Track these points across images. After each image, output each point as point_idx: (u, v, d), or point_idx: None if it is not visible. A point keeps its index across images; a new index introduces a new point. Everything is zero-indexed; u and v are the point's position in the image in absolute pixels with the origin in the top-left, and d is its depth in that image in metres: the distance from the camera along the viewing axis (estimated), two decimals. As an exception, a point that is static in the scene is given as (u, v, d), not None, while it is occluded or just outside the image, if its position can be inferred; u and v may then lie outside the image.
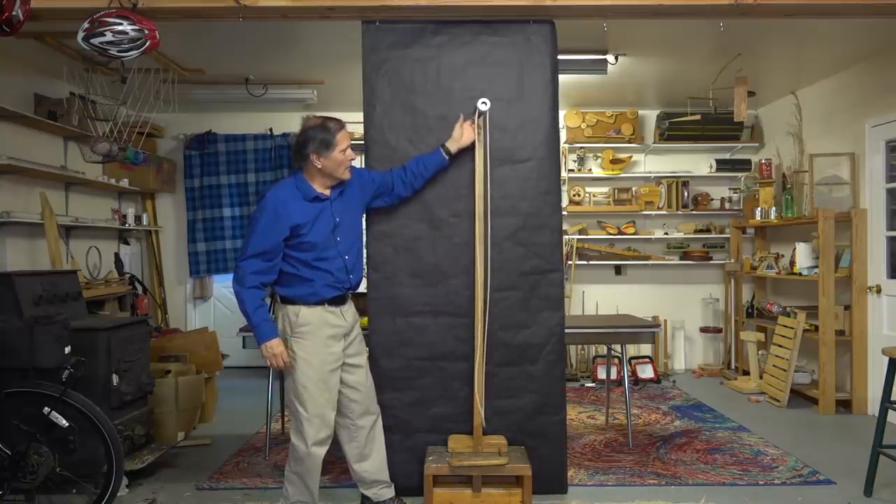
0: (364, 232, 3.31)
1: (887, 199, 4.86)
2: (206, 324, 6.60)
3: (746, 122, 6.35)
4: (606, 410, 4.80)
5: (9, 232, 4.55)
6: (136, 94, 4.78)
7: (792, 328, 5.34)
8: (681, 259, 6.69)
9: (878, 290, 4.86)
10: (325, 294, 2.94)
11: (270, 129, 6.61)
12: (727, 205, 6.61)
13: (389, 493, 3.18)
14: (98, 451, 3.05)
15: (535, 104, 3.33)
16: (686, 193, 6.59)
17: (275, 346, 2.87)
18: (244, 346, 4.02)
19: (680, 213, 6.59)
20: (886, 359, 3.33)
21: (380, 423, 3.17)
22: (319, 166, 2.91)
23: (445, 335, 3.31)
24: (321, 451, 2.95)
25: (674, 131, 6.40)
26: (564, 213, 6.55)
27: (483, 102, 3.16)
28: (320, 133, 2.88)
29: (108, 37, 3.01)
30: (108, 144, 4.55)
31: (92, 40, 3.02)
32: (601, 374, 6.10)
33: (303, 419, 2.91)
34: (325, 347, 2.94)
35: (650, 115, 6.68)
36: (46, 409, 2.95)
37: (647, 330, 4.17)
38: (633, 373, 6.08)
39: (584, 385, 6.05)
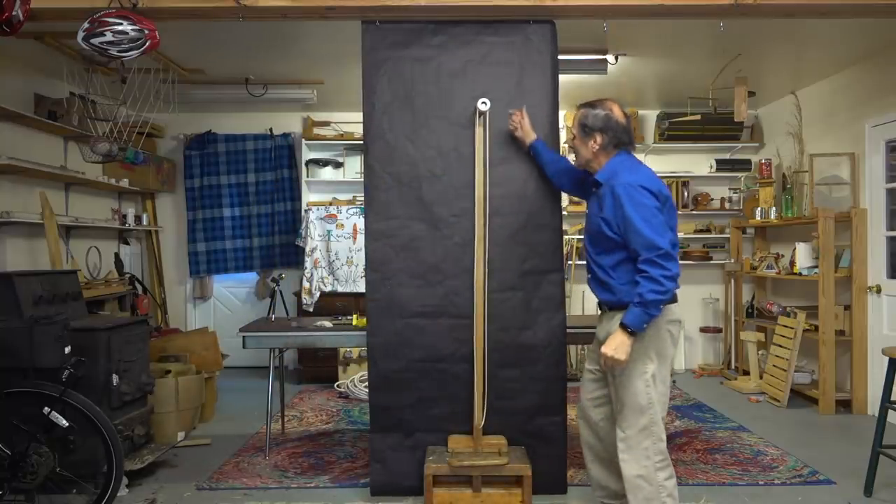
0: (364, 232, 3.32)
1: (887, 199, 4.86)
2: (206, 324, 6.60)
3: (746, 122, 6.35)
4: (606, 410, 4.79)
5: (9, 232, 4.55)
6: (136, 94, 4.79)
7: (792, 328, 5.33)
8: (680, 259, 6.67)
9: (878, 290, 4.85)
10: None
11: (270, 129, 6.61)
12: (727, 205, 6.61)
13: None
14: (98, 451, 3.05)
15: (535, 104, 3.32)
16: (686, 193, 6.59)
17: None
18: (244, 346, 3.97)
19: (680, 213, 6.57)
20: (886, 359, 3.33)
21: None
22: None
23: (446, 336, 3.30)
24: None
25: (674, 131, 6.40)
26: (564, 213, 6.55)
27: (483, 102, 3.15)
28: None
29: (108, 37, 3.01)
30: (108, 144, 4.55)
31: (92, 40, 3.03)
32: (601, 374, 6.09)
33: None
34: None
35: (650, 115, 6.68)
36: (46, 409, 2.94)
37: (647, 330, 4.16)
38: (633, 373, 6.06)
39: (584, 385, 6.04)
